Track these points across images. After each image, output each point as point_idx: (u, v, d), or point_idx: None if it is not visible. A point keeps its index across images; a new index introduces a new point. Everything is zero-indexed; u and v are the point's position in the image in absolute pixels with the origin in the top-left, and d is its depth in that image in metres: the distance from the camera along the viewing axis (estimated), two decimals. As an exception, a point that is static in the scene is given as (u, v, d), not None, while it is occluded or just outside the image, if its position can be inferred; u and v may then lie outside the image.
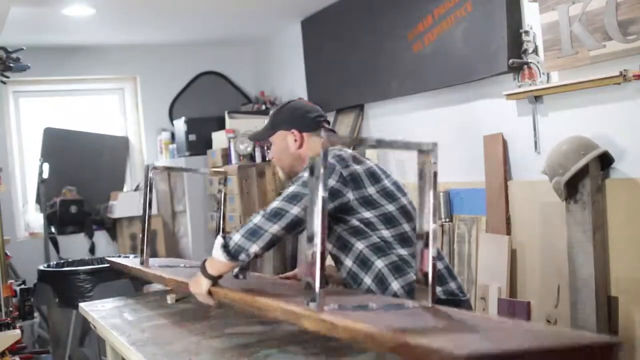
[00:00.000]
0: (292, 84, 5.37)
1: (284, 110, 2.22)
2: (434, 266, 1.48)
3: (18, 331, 3.21)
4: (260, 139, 2.30)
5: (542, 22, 3.01)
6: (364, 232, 1.99)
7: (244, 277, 2.10)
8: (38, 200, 5.22)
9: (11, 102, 5.40)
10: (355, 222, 1.99)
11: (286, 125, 2.17)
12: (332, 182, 1.93)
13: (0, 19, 3.82)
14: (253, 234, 1.85)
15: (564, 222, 2.88)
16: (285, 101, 2.31)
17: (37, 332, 4.69)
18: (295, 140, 2.15)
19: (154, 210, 5.48)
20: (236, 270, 2.07)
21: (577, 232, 2.81)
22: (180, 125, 5.37)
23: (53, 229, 5.19)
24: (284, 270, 4.78)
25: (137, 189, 5.50)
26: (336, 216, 1.98)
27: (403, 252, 1.98)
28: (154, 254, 5.44)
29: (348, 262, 2.02)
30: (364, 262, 2.00)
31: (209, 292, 1.93)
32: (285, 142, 2.18)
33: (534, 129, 3.16)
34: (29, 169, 5.43)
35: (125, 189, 5.69)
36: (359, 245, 2.01)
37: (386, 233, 1.99)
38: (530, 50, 3.15)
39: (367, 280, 1.98)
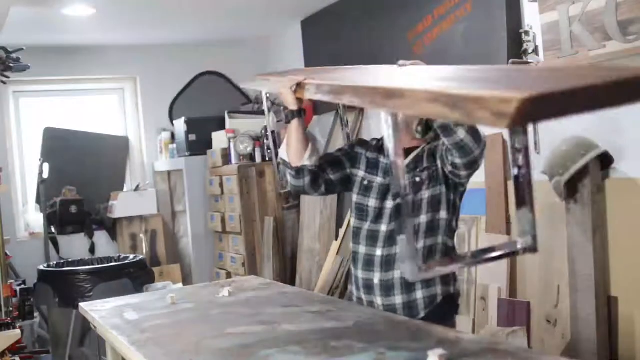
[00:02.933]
0: (292, 84, 5.36)
1: None
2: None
3: (18, 331, 3.21)
4: None
5: (542, 22, 3.01)
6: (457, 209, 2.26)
7: None
8: (38, 200, 5.22)
9: (11, 102, 5.40)
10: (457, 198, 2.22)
11: None
12: None
13: (0, 18, 3.82)
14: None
15: (564, 222, 2.88)
16: None
17: (37, 332, 4.69)
18: None
19: (154, 210, 5.49)
20: None
21: (577, 232, 2.81)
22: (180, 125, 5.37)
23: (53, 229, 5.19)
24: (284, 271, 4.79)
25: (137, 189, 5.50)
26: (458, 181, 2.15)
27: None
28: (154, 254, 5.45)
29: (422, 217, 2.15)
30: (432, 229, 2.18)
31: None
32: None
33: (534, 129, 3.16)
34: (29, 169, 5.43)
35: (125, 189, 5.68)
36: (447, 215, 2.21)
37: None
38: (530, 50, 3.15)
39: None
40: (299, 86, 2.00)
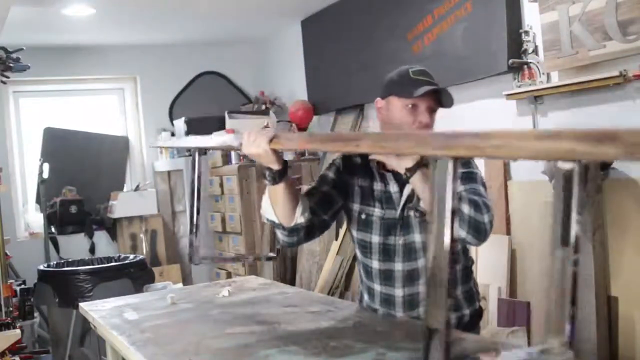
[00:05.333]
0: (292, 84, 5.37)
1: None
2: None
3: (18, 331, 3.21)
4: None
5: (542, 22, 3.01)
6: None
7: None
8: (38, 200, 5.22)
9: (11, 102, 5.41)
10: None
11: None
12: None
13: (0, 19, 3.82)
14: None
15: (563, 222, 2.88)
16: None
17: (37, 332, 4.69)
18: (379, 108, 2.02)
19: (154, 210, 5.49)
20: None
21: (577, 232, 2.81)
22: (180, 125, 5.37)
23: (53, 229, 5.19)
24: (284, 271, 4.79)
25: (137, 189, 5.50)
26: None
27: None
28: (154, 254, 5.45)
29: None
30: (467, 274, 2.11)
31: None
32: (377, 111, 2.04)
33: (534, 128, 3.16)
34: (29, 169, 5.43)
35: (125, 189, 5.69)
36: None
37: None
38: (530, 50, 3.15)
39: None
40: (275, 137, 1.74)
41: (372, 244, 2.04)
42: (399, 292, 2.01)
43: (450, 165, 1.09)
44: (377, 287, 2.06)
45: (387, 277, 2.03)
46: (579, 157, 0.93)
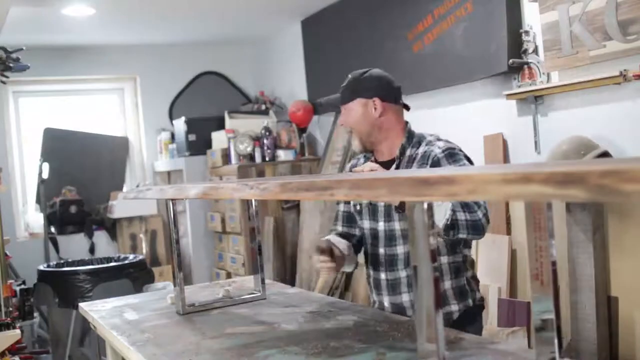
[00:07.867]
0: (292, 84, 5.38)
1: (367, 77, 2.17)
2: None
3: (18, 331, 3.21)
4: (341, 103, 2.24)
5: (542, 22, 3.01)
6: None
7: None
8: (38, 200, 5.22)
9: (11, 102, 5.41)
10: None
11: (369, 93, 2.15)
12: None
13: (0, 18, 3.82)
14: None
15: (564, 222, 2.88)
16: (364, 69, 2.23)
17: (37, 332, 4.69)
18: (375, 109, 2.14)
19: (154, 210, 5.49)
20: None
21: (577, 232, 2.81)
22: (180, 125, 5.37)
23: (53, 229, 5.19)
24: (284, 271, 4.79)
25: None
26: None
27: None
28: (154, 254, 5.45)
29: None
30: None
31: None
32: (365, 109, 2.15)
33: (534, 129, 3.16)
34: (29, 169, 5.43)
35: (125, 189, 5.69)
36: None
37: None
38: (530, 50, 3.15)
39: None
40: None
41: (378, 256, 2.19)
42: (405, 297, 2.15)
43: (426, 206, 1.18)
44: (387, 299, 2.19)
45: (394, 286, 2.16)
46: (548, 199, 0.95)
